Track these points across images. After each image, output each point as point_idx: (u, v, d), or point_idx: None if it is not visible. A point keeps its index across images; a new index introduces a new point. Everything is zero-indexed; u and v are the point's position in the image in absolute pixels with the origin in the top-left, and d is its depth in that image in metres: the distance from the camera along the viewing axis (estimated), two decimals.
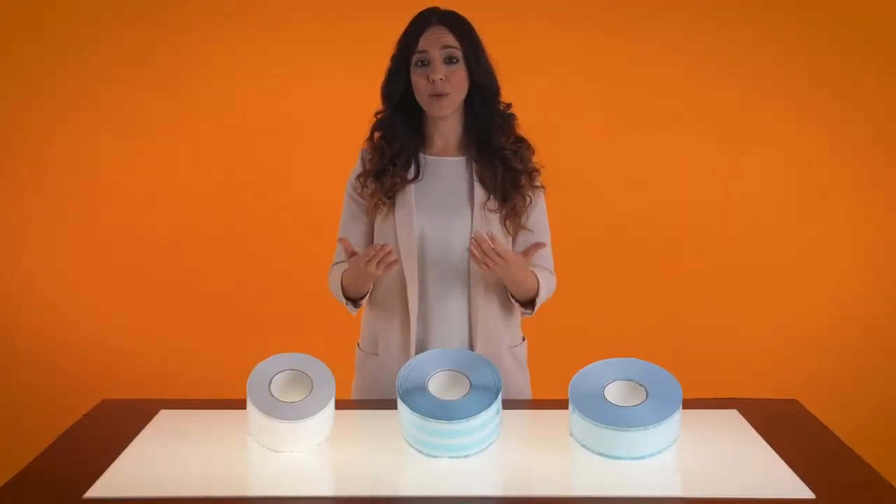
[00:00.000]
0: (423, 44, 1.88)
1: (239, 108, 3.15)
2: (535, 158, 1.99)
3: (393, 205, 1.94)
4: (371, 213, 1.98)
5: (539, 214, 2.00)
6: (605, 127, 3.17)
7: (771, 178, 3.19)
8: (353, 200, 2.01)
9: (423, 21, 1.90)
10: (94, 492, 1.43)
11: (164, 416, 1.79)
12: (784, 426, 1.74)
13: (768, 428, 1.70)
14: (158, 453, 1.59)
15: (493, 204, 1.93)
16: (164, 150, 3.17)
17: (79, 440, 1.68)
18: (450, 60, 1.87)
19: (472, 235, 1.84)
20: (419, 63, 1.88)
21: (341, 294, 1.95)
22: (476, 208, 1.92)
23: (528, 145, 1.99)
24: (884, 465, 1.73)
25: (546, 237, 2.03)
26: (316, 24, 3.12)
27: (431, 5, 1.94)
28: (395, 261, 1.81)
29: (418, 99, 1.92)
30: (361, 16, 3.10)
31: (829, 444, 1.65)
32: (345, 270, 1.91)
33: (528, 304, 1.96)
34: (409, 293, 1.93)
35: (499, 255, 1.78)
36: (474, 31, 1.92)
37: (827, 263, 3.22)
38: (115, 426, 1.73)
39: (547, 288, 1.97)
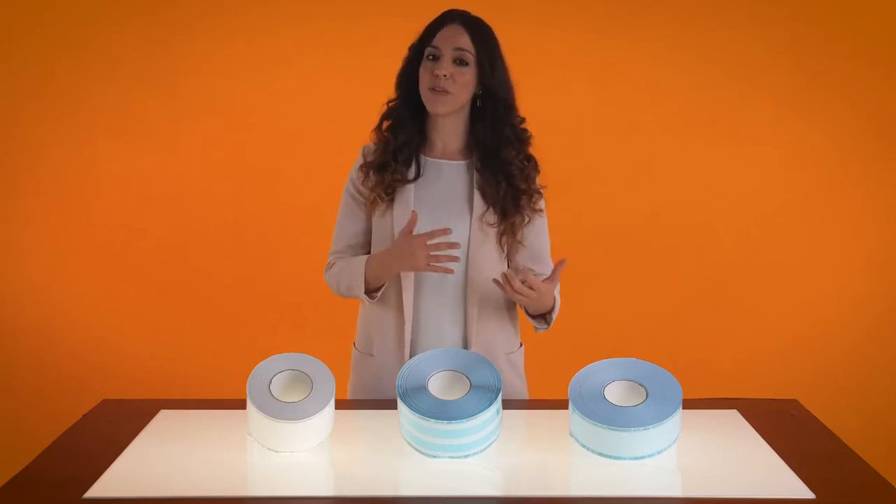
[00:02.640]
0: (437, 40, 1.88)
1: (238, 108, 3.15)
2: (539, 178, 1.97)
3: (391, 202, 1.93)
4: (369, 207, 1.97)
5: (539, 231, 1.99)
6: (604, 127, 3.17)
7: (771, 178, 3.19)
8: (352, 196, 2.00)
9: (445, 18, 1.91)
10: (94, 492, 1.43)
11: (164, 416, 1.79)
12: (784, 426, 1.74)
13: (768, 428, 1.70)
14: (158, 453, 1.59)
15: (491, 217, 1.92)
16: (163, 151, 3.17)
17: (79, 440, 1.68)
18: (459, 62, 1.87)
19: (504, 273, 1.79)
20: (430, 57, 1.88)
21: (361, 281, 1.90)
22: (474, 218, 1.91)
23: (536, 164, 1.96)
24: (884, 465, 1.73)
25: (546, 254, 2.02)
26: (315, 24, 3.12)
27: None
28: (450, 262, 1.80)
29: (420, 91, 1.90)
30: (361, 16, 3.09)
31: (829, 444, 1.65)
32: (378, 253, 1.90)
33: (542, 318, 1.96)
34: (403, 294, 1.91)
35: (530, 288, 1.78)
36: (495, 41, 1.92)
37: (827, 263, 3.21)
38: (115, 426, 1.73)
39: (559, 303, 1.95)
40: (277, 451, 1.58)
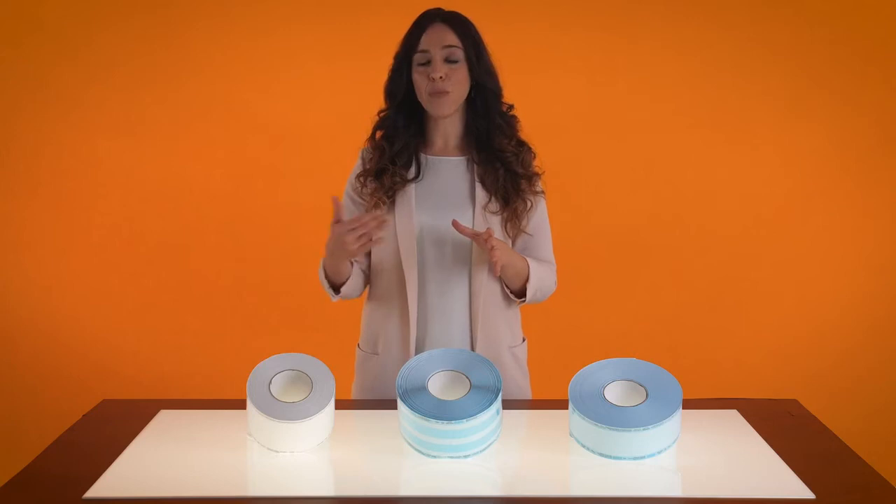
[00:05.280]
0: (424, 43, 1.88)
1: (238, 107, 3.15)
2: (536, 163, 1.99)
3: (393, 204, 1.94)
4: (370, 210, 1.97)
5: (540, 218, 2.01)
6: (604, 127, 3.17)
7: (771, 178, 3.19)
8: (352, 200, 2.01)
9: (426, 20, 1.91)
10: (94, 492, 1.43)
11: (164, 416, 1.79)
12: (784, 426, 1.74)
13: (768, 428, 1.70)
14: (158, 453, 1.59)
15: (494, 206, 1.93)
16: (163, 150, 3.17)
17: (79, 440, 1.68)
18: (451, 60, 1.88)
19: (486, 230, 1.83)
20: (420, 62, 1.89)
21: (324, 278, 1.94)
22: (477, 209, 1.93)
23: (530, 149, 1.98)
24: (884, 465, 1.73)
25: (548, 240, 2.04)
26: (316, 23, 3.12)
27: (432, 6, 1.95)
28: (379, 239, 1.79)
29: (419, 98, 1.92)
30: (361, 15, 3.10)
31: (829, 444, 1.65)
32: (327, 240, 1.89)
33: (522, 292, 1.96)
34: (408, 292, 1.92)
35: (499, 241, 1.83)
36: (476, 32, 1.93)
37: (827, 263, 3.22)
38: (115, 426, 1.73)
39: (539, 276, 1.95)
40: (277, 452, 1.58)
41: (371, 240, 1.76)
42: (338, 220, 1.78)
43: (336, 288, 1.95)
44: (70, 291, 3.23)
